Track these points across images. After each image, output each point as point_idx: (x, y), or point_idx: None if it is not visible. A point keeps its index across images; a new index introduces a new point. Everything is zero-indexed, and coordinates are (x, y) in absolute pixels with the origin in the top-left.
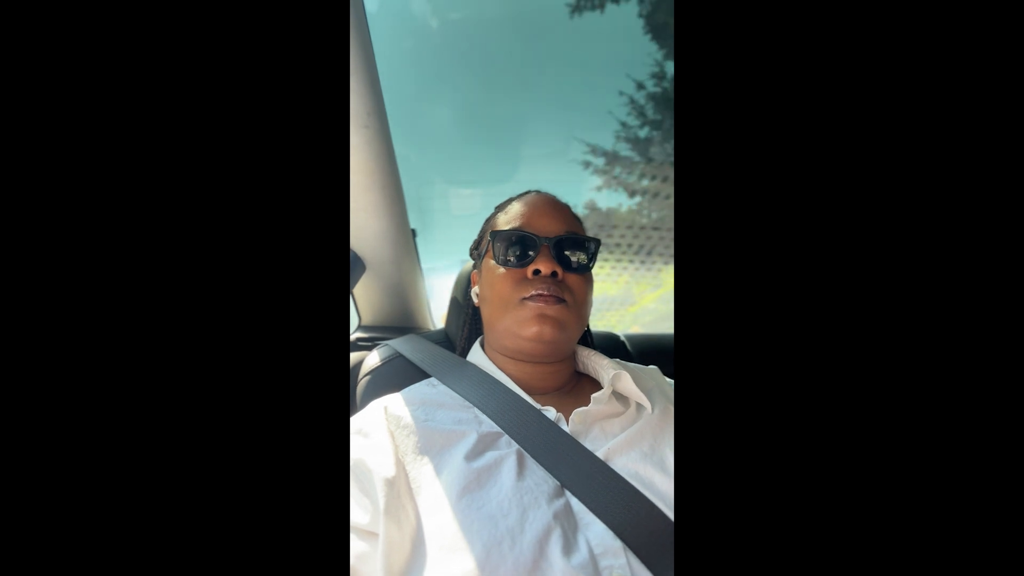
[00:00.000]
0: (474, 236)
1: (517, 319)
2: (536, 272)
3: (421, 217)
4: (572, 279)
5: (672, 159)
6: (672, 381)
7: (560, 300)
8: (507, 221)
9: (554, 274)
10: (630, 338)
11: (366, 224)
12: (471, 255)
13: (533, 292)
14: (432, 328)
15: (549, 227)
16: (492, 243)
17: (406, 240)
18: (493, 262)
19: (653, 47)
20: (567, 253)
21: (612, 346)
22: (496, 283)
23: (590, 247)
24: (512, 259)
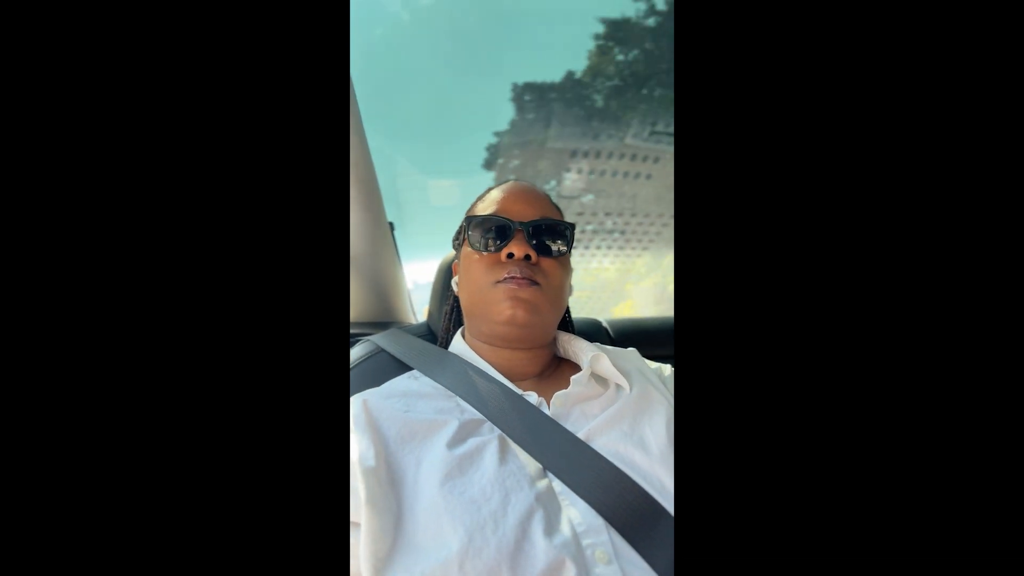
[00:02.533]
0: (455, 227)
1: (491, 302)
2: (510, 256)
3: (398, 210)
4: (547, 263)
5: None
6: (652, 364)
7: (533, 283)
8: (483, 208)
9: (527, 257)
10: (612, 323)
11: None
12: (453, 246)
13: (506, 275)
14: (414, 322)
15: (524, 212)
16: (468, 229)
17: (383, 234)
18: (470, 248)
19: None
20: (543, 237)
21: (594, 331)
22: (472, 268)
23: (566, 233)
24: (487, 244)
